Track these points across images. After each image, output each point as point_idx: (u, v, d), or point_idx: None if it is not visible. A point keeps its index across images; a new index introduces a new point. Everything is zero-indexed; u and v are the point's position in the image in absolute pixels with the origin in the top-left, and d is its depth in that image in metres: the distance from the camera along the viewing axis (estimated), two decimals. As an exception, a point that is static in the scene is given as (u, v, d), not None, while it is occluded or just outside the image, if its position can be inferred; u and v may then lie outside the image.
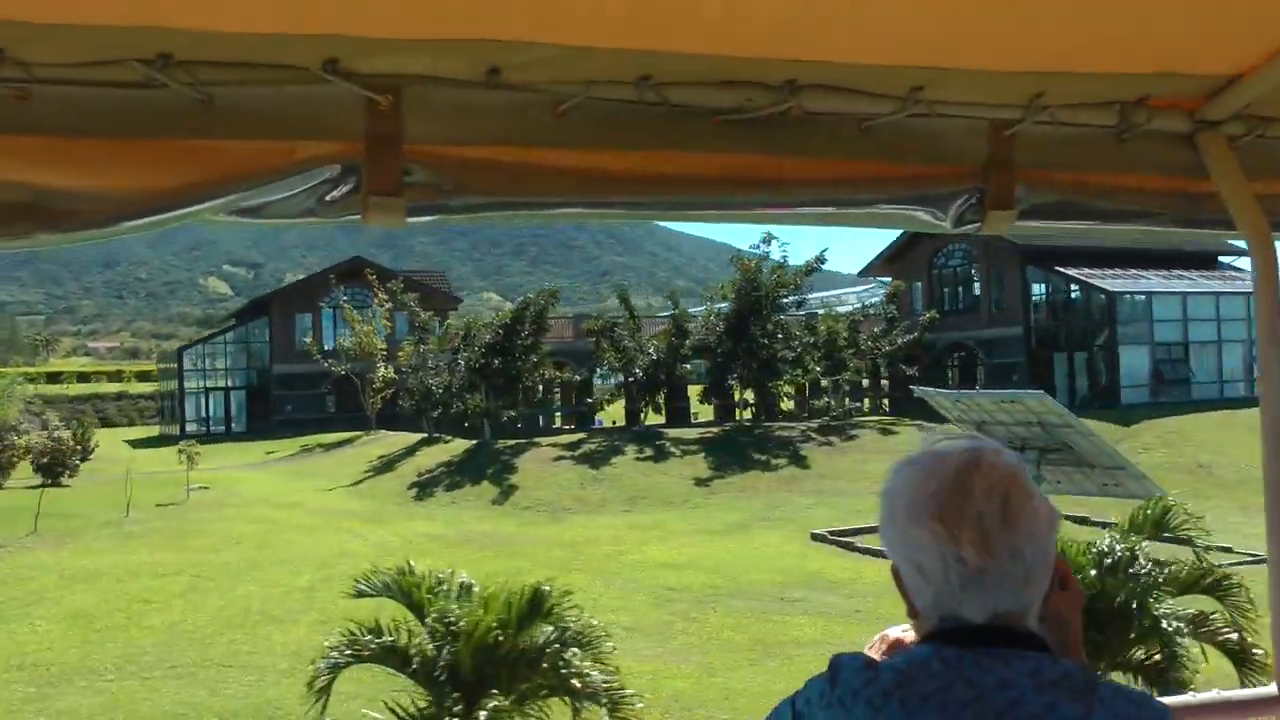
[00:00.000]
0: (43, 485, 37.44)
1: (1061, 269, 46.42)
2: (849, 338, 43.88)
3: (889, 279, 52.22)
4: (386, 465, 38.89)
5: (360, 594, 9.07)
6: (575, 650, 8.59)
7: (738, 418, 43.39)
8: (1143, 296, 45.84)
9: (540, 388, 42.29)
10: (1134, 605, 8.99)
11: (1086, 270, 46.07)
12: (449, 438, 40.70)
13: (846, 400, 44.63)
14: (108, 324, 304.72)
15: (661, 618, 19.00)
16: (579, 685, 8.42)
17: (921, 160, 2.06)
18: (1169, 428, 37.47)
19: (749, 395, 44.16)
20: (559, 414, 49.96)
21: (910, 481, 1.49)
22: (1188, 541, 10.23)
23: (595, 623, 9.14)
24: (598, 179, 1.89)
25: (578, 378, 44.55)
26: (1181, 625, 8.63)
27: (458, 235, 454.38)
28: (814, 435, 39.11)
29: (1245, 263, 52.68)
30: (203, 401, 57.74)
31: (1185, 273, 48.13)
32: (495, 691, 8.22)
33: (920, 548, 1.45)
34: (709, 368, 42.55)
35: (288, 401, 55.17)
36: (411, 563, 9.25)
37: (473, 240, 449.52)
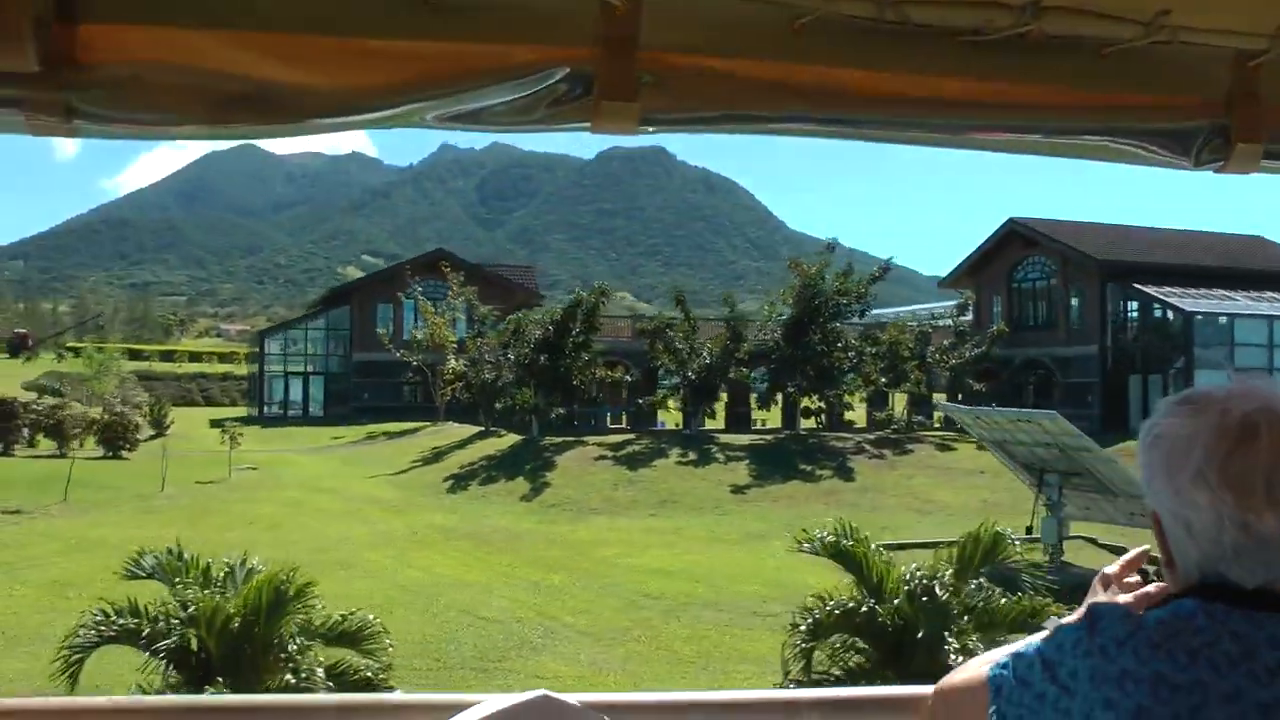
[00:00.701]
0: (103, 457, 38.78)
1: (1141, 286, 44.52)
2: (914, 349, 42.73)
3: (967, 290, 51.11)
4: (436, 456, 39.20)
5: (131, 575, 8.96)
6: (318, 642, 8.39)
7: (798, 426, 42.60)
8: (1224, 318, 43.72)
9: (593, 386, 41.93)
10: (931, 636, 8.44)
11: (1167, 289, 44.15)
12: (504, 432, 40.92)
13: (908, 413, 43.53)
14: (245, 308, 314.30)
15: (622, 624, 18.72)
16: (321, 678, 8.22)
17: (1163, 90, 1.96)
18: None
19: (810, 403, 43.42)
20: (622, 413, 49.77)
21: (1187, 428, 1.38)
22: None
23: (371, 618, 8.92)
24: (832, 96, 1.84)
25: (629, 378, 44.03)
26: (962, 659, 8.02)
27: (594, 234, 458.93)
28: (869, 447, 38.23)
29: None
30: (284, 385, 58.88)
31: (1277, 295, 45.89)
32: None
33: (1194, 506, 1.37)
34: (766, 373, 41.85)
35: (365, 389, 55.94)
36: (181, 548, 9.08)
37: (609, 239, 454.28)
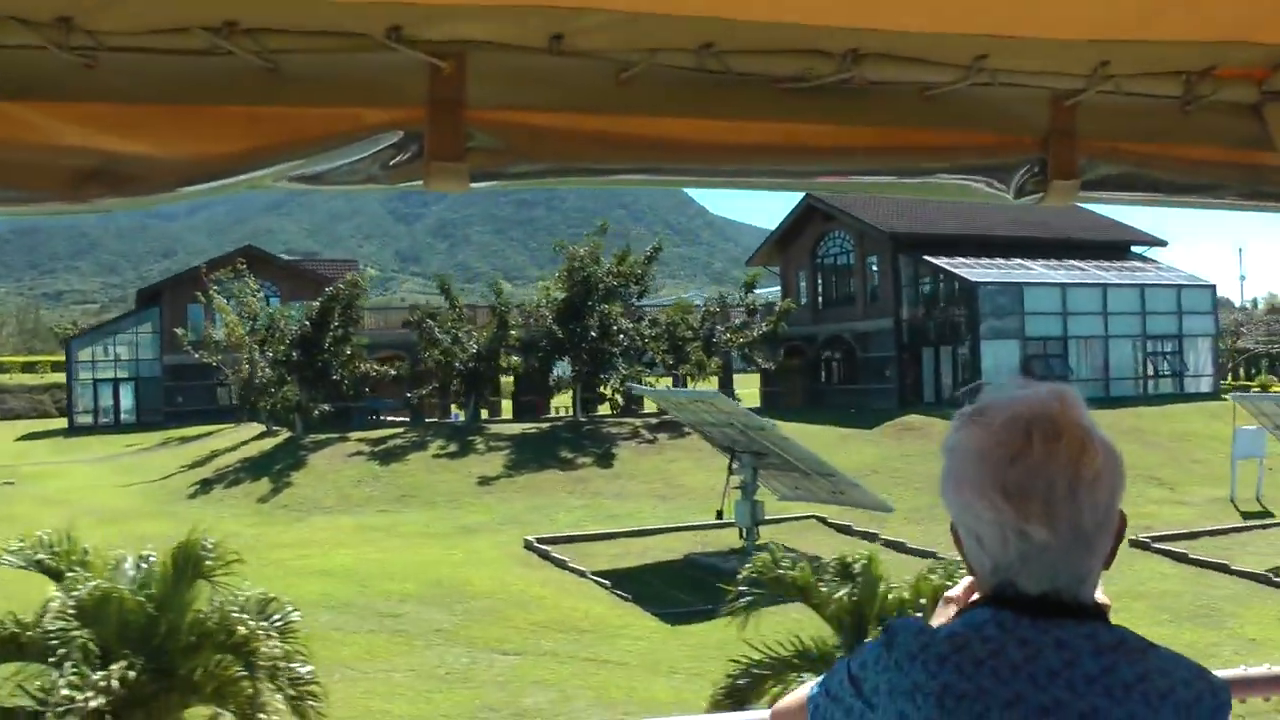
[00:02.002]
0: None
1: (931, 258, 43.54)
2: (699, 329, 41.72)
3: (776, 267, 50.39)
4: (207, 459, 37.75)
5: None
6: None
7: (578, 413, 41.36)
8: (1011, 287, 42.81)
9: (358, 381, 40.50)
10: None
11: (957, 259, 43.21)
12: (283, 431, 39.56)
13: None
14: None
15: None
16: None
17: (983, 130, 2.03)
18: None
19: (607, 390, 42.39)
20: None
21: (975, 441, 1.43)
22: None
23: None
24: (659, 145, 1.88)
25: (394, 371, 42.43)
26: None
27: (514, 225, 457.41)
28: (645, 432, 37.18)
29: (1158, 253, 50.17)
30: (93, 393, 56.79)
31: (1080, 263, 45.28)
32: None
33: (980, 519, 1.42)
34: (538, 360, 40.72)
35: (178, 393, 53.91)
36: None
37: (529, 230, 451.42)
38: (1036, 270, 44.10)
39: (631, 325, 40.19)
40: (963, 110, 1.96)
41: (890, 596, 10.43)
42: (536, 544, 24.84)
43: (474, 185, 1.79)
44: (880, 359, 45.47)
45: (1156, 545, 22.83)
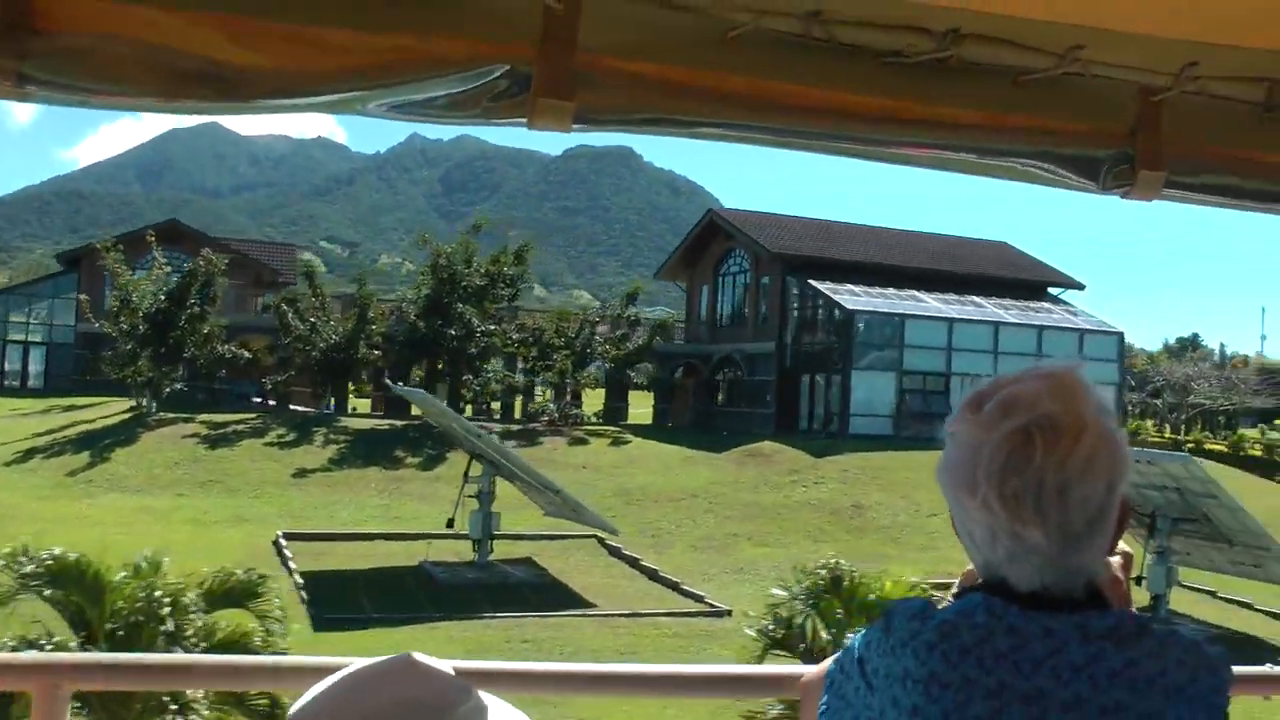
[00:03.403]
0: None
1: (816, 281, 42.35)
2: (572, 339, 40.97)
3: (683, 281, 49.56)
4: (63, 429, 37.40)
5: None
6: None
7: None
8: (891, 318, 41.53)
9: (214, 362, 40.03)
10: None
11: (843, 286, 42.08)
12: (144, 405, 39.25)
13: (563, 405, 41.63)
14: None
15: None
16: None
17: (1072, 119, 2.05)
18: (860, 464, 34.01)
19: (487, 391, 41.75)
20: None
21: (970, 435, 1.40)
22: None
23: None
24: (757, 106, 1.89)
25: (247, 354, 41.71)
26: None
27: (556, 230, 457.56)
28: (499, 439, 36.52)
29: (1075, 296, 48.84)
30: (2, 355, 56.27)
31: (982, 300, 44.09)
32: None
33: (970, 517, 1.41)
34: (398, 356, 40.12)
35: (91, 361, 53.80)
36: None
37: (570, 237, 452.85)
38: (929, 303, 42.82)
39: (495, 328, 39.45)
40: (1054, 98, 1.98)
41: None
42: (283, 539, 24.25)
43: (575, 126, 1.79)
44: (764, 383, 44.38)
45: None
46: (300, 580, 20.90)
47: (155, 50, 1.64)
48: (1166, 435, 59.98)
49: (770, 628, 11.70)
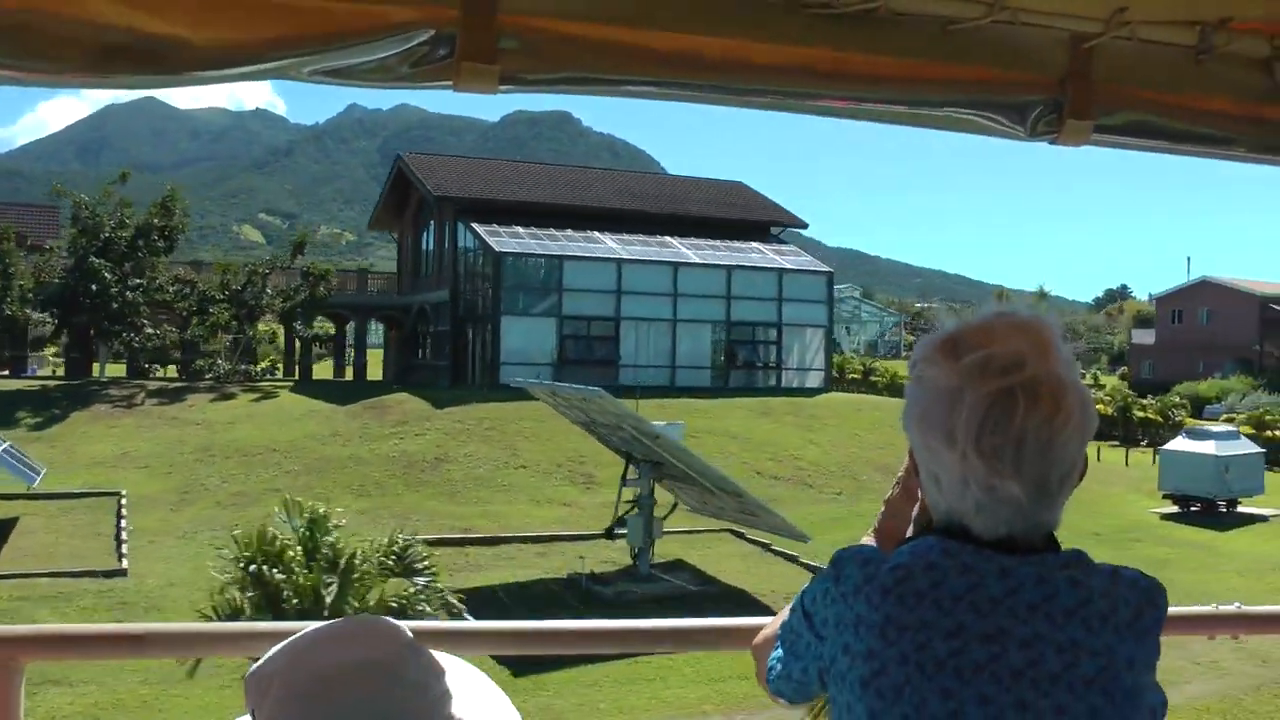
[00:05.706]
0: None
1: (479, 225, 40.82)
2: (238, 291, 40.66)
3: (393, 233, 49.18)
4: None
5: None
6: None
7: (92, 372, 40.39)
8: (547, 260, 40.05)
9: None
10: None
11: (498, 227, 40.61)
12: None
13: (232, 361, 41.10)
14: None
15: None
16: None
17: (1001, 67, 2.05)
18: (485, 414, 33.64)
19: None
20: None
21: (945, 381, 1.38)
22: None
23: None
24: (682, 62, 1.89)
25: None
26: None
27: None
28: (142, 398, 35.98)
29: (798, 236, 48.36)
30: None
31: (674, 240, 42.94)
32: None
33: (943, 465, 1.39)
34: (56, 316, 39.62)
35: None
36: None
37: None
38: (608, 244, 41.62)
39: (139, 282, 39.07)
40: (983, 47, 1.98)
41: None
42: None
43: (501, 88, 1.80)
44: (444, 333, 43.36)
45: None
46: None
47: (80, 26, 1.61)
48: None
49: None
